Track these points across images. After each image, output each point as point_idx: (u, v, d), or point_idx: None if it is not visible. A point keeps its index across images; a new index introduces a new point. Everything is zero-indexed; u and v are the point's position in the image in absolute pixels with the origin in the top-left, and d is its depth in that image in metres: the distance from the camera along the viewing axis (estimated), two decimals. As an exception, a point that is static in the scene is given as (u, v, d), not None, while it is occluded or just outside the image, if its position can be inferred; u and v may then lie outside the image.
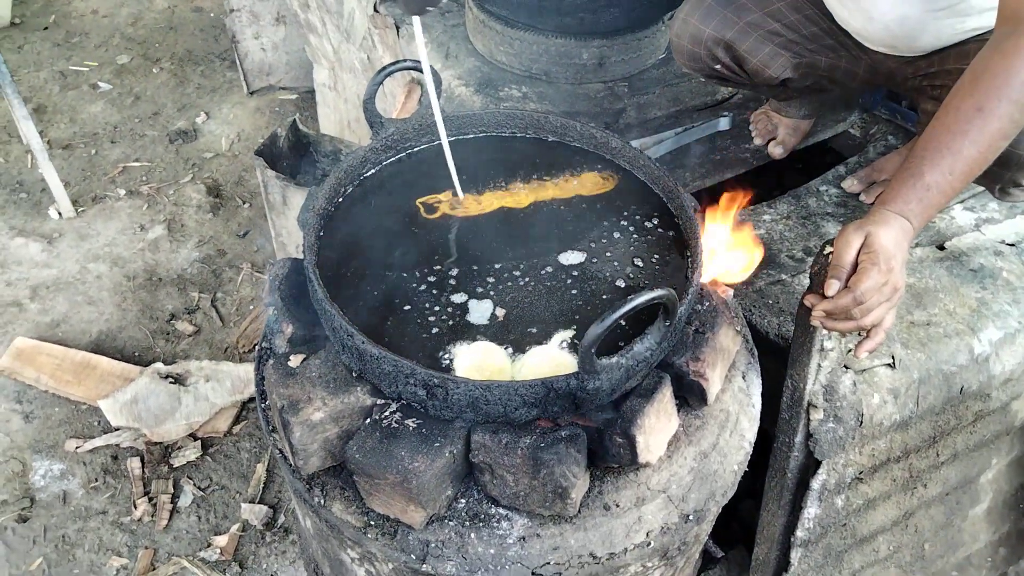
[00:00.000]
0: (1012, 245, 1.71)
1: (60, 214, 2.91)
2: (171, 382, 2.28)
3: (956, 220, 1.79)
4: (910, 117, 2.04)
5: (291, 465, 1.18)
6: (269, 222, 2.27)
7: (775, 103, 1.98)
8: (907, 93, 1.64)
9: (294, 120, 2.13)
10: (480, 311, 1.23)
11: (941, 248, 1.71)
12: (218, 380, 2.31)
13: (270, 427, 1.25)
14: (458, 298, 1.25)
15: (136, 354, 2.47)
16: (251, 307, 2.64)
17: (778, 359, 1.47)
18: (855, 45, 1.65)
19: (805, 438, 1.39)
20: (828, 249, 1.19)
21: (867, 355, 1.21)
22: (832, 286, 1.15)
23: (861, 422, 1.40)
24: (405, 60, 1.36)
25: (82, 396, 2.31)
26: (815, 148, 2.14)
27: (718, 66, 1.73)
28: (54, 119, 3.39)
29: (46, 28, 3.92)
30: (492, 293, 1.26)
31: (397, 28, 2.39)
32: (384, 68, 1.33)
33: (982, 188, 1.85)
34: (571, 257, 1.32)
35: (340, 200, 1.37)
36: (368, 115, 1.39)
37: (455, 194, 1.39)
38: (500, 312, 1.23)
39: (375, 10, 2.47)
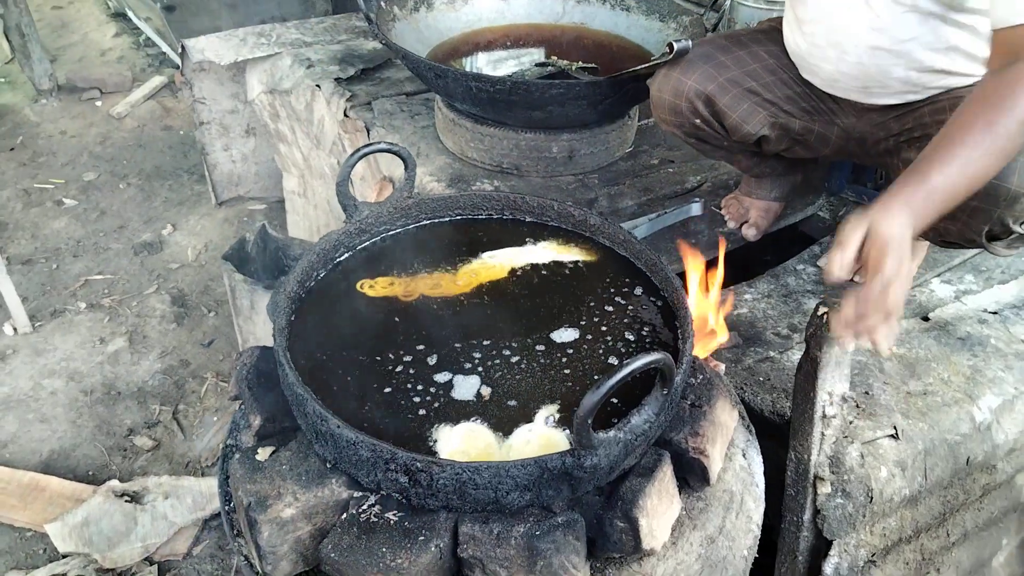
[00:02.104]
0: (995, 313, 1.70)
1: (15, 330, 2.79)
2: (127, 501, 2.11)
3: (936, 293, 1.78)
4: (875, 198, 2.08)
5: (257, 572, 1.05)
6: (236, 328, 2.19)
7: (746, 186, 2.01)
8: (880, 159, 1.67)
9: (263, 224, 2.09)
10: (466, 387, 1.15)
11: (925, 319, 1.70)
12: (178, 497, 2.15)
13: (235, 531, 1.13)
14: (442, 377, 1.17)
15: (90, 472, 2.30)
16: (215, 418, 2.50)
17: (775, 440, 1.41)
18: (828, 109, 1.70)
19: (813, 515, 1.30)
20: (822, 310, 1.15)
21: (891, 351, 1.19)
22: (835, 260, 1.14)
23: (871, 497, 1.32)
24: (379, 142, 1.34)
25: (28, 522, 2.12)
26: (785, 232, 2.16)
27: (698, 120, 1.74)
28: (15, 235, 3.32)
29: (12, 149, 3.92)
30: (480, 369, 1.19)
31: (368, 130, 2.42)
32: (358, 150, 1.30)
33: (957, 261, 1.86)
34: (564, 335, 1.27)
35: (312, 284, 1.31)
36: (341, 198, 1.36)
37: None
38: (486, 390, 1.15)
39: (345, 115, 2.51)
